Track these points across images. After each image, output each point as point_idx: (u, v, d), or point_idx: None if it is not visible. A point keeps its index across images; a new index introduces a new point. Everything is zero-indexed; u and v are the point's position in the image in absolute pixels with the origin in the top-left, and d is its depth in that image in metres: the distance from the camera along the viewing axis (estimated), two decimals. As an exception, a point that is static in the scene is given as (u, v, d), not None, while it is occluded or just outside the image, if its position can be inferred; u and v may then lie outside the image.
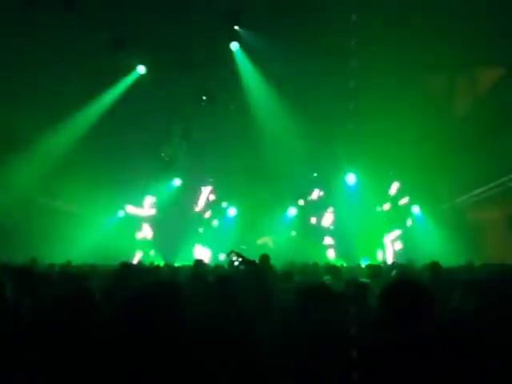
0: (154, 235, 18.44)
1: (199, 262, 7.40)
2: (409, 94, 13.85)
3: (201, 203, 19.20)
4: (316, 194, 18.41)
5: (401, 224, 17.40)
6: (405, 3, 11.65)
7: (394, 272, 7.10)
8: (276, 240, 18.17)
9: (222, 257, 14.04)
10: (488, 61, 13.57)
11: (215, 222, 19.30)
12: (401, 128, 14.02)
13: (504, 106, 12.60)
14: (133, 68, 14.76)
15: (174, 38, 12.98)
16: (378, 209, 17.52)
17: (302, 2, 12.23)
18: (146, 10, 12.07)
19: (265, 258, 6.65)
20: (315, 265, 9.19)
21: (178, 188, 18.91)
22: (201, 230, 18.97)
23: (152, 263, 11.70)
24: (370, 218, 16.74)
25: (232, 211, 19.14)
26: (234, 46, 14.08)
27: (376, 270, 7.12)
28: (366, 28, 11.79)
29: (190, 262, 10.01)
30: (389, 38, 12.28)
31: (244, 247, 15.63)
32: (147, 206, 18.78)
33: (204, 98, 15.29)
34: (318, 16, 12.28)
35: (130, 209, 18.46)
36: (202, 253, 17.33)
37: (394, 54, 12.70)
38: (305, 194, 18.53)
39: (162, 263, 12.30)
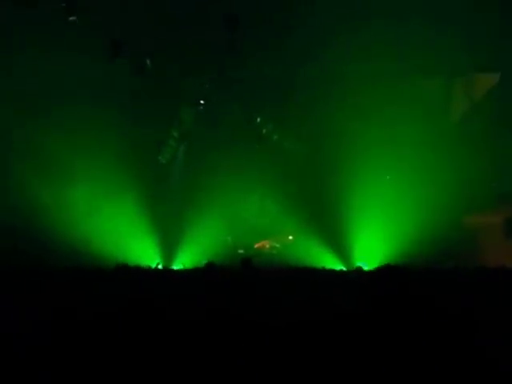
0: None
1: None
2: (404, 100, 13.94)
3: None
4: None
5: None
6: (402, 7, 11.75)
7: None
8: (273, 244, 18.12)
9: None
10: (484, 67, 13.69)
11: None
12: (396, 132, 14.08)
13: (502, 110, 12.70)
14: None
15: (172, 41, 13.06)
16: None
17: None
18: (145, 13, 12.13)
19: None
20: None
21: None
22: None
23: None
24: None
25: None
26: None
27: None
28: (360, 31, 11.91)
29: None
30: (384, 43, 12.38)
31: (241, 251, 15.67)
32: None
33: (202, 101, 15.34)
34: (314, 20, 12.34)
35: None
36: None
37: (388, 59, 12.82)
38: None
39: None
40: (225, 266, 7.37)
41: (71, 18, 11.90)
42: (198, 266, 10.75)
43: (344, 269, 12.84)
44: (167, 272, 9.47)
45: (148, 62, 13.80)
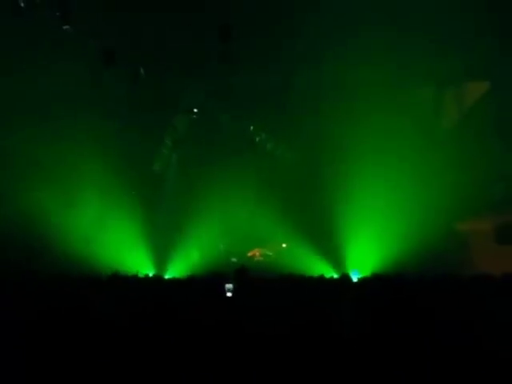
0: None
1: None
2: (395, 108, 14.07)
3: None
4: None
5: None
6: (394, 15, 11.88)
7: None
8: (266, 252, 18.09)
9: None
10: (477, 74, 13.87)
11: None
12: (388, 140, 14.17)
13: (492, 118, 12.83)
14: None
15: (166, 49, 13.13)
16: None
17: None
18: (139, 22, 12.19)
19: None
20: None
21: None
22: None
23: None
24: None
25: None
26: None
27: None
28: (354, 41, 12.04)
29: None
30: (378, 52, 12.50)
31: (234, 260, 15.65)
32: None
33: (195, 109, 15.40)
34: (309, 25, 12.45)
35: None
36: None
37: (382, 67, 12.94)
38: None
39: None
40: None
41: (65, 27, 11.95)
42: (190, 274, 10.78)
43: (335, 276, 12.84)
44: (160, 280, 9.45)
45: (142, 70, 13.86)
